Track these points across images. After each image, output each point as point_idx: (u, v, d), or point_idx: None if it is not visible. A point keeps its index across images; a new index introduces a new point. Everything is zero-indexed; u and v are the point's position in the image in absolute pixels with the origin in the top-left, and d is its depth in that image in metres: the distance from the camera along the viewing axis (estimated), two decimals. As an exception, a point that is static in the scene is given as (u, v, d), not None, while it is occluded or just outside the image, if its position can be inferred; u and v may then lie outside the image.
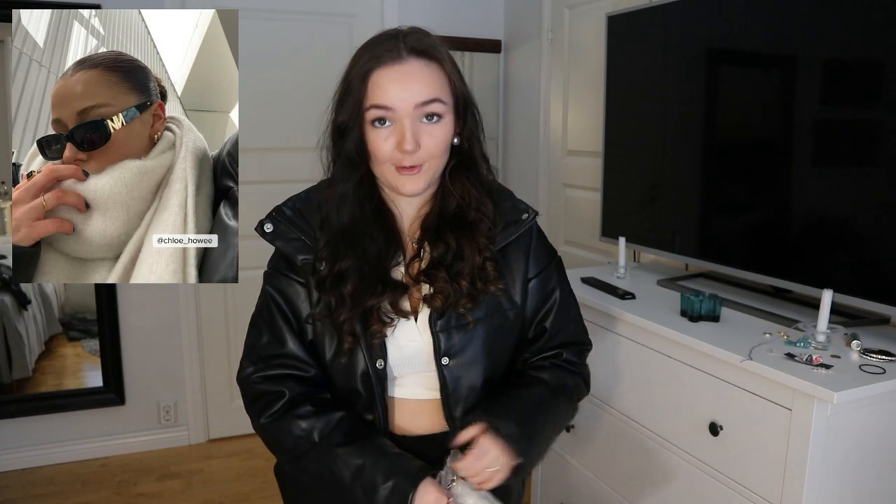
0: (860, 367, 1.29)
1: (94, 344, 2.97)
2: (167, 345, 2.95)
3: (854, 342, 1.37)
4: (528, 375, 1.12)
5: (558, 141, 2.90)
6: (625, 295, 1.78)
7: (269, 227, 1.05)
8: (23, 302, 2.91)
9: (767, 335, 1.46)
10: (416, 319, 1.03)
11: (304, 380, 1.05)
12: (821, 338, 1.37)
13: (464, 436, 1.00)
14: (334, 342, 1.03)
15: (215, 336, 3.01)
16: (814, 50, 1.54)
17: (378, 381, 1.03)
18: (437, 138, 0.97)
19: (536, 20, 2.98)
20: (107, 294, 2.83)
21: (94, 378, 2.95)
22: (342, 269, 1.00)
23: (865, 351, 1.35)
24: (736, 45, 1.77)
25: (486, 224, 1.03)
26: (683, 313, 1.60)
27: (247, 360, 1.08)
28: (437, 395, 1.06)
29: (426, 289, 1.04)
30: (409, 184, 0.98)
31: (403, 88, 0.94)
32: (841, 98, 1.51)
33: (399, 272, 1.05)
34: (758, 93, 1.72)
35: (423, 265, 1.04)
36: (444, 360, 1.03)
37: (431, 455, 1.04)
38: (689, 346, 1.48)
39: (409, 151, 0.94)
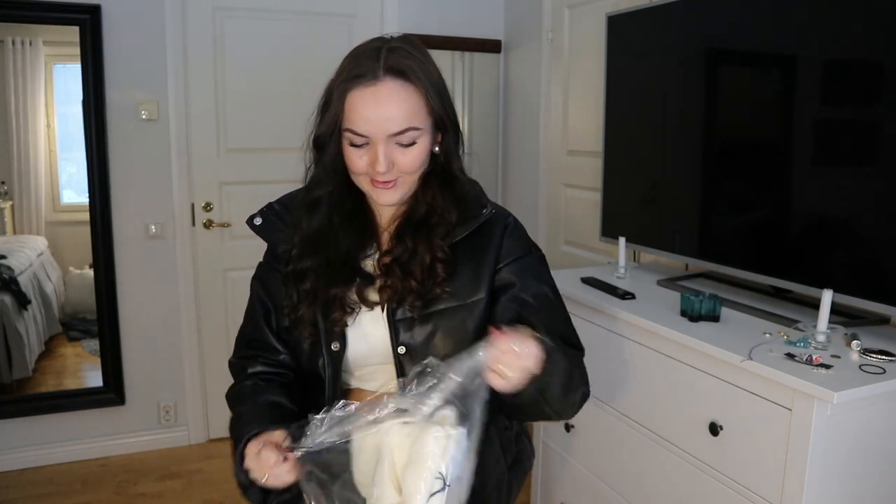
0: (860, 367, 1.29)
1: (94, 344, 2.97)
2: (167, 345, 2.95)
3: (854, 342, 1.37)
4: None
5: (558, 141, 2.90)
6: (625, 295, 1.78)
7: (258, 221, 1.14)
8: (23, 302, 2.91)
9: (767, 335, 1.46)
10: (383, 310, 1.06)
11: (271, 362, 1.15)
12: (821, 338, 1.37)
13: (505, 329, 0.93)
14: (303, 340, 1.10)
15: (215, 336, 3.01)
16: (814, 50, 1.54)
17: (333, 365, 1.07)
18: (410, 159, 1.00)
19: (536, 20, 2.98)
20: (107, 294, 2.83)
21: (94, 378, 2.95)
22: (302, 269, 1.07)
23: (865, 351, 1.35)
24: (736, 45, 1.77)
25: (444, 227, 1.06)
26: (683, 313, 1.60)
27: (234, 347, 1.20)
28: (392, 388, 1.05)
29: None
30: (384, 196, 1.03)
31: (377, 115, 0.97)
32: (841, 98, 1.51)
33: (370, 264, 1.09)
34: (758, 93, 1.72)
35: (385, 262, 1.08)
36: (401, 350, 1.05)
37: None
38: (689, 346, 1.48)
39: (382, 173, 0.99)
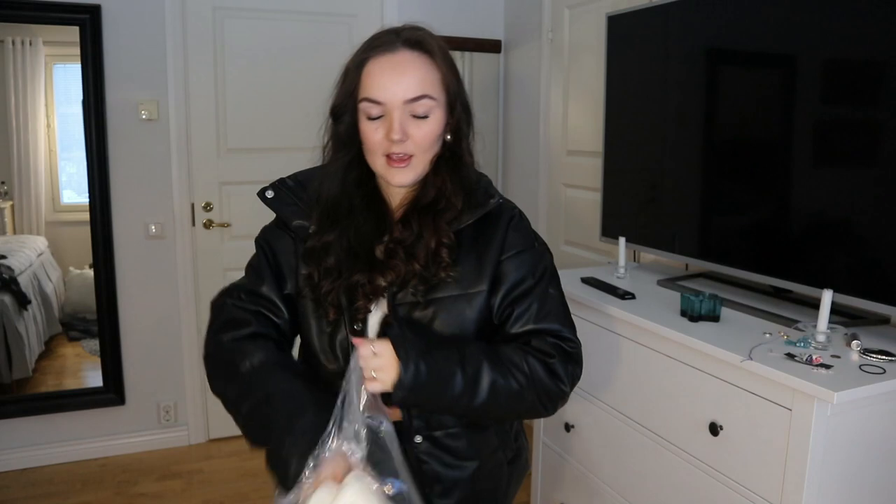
0: (860, 367, 1.29)
1: (94, 344, 2.97)
2: (167, 345, 2.95)
3: (854, 342, 1.37)
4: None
5: (558, 141, 2.90)
6: (625, 295, 1.78)
7: (270, 194, 1.12)
8: (23, 302, 2.91)
9: (767, 335, 1.46)
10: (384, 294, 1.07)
11: (273, 323, 1.11)
12: (821, 338, 1.37)
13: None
14: (320, 317, 1.08)
15: (215, 336, 3.00)
16: (814, 50, 1.54)
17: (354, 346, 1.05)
18: (424, 132, 1.01)
19: (536, 20, 2.98)
20: (107, 294, 2.83)
21: (94, 378, 2.95)
22: (326, 243, 1.06)
23: (865, 351, 1.35)
24: (736, 45, 1.77)
25: (451, 213, 1.06)
26: (683, 313, 1.60)
27: (227, 291, 1.14)
28: None
29: None
30: (398, 175, 1.03)
31: (393, 81, 0.99)
32: (841, 98, 1.51)
33: (380, 250, 1.09)
34: (757, 93, 1.72)
35: (389, 245, 1.07)
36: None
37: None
38: (689, 346, 1.48)
39: (397, 141, 0.99)
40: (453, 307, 1.06)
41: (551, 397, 1.06)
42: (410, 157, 1.02)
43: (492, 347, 1.06)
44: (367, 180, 1.10)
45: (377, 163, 1.04)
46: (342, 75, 1.06)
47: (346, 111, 1.04)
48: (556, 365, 1.06)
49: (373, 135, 1.01)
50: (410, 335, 1.01)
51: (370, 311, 1.06)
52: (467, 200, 1.07)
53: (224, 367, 1.09)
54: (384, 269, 1.05)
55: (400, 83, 0.99)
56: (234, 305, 1.11)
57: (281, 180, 1.14)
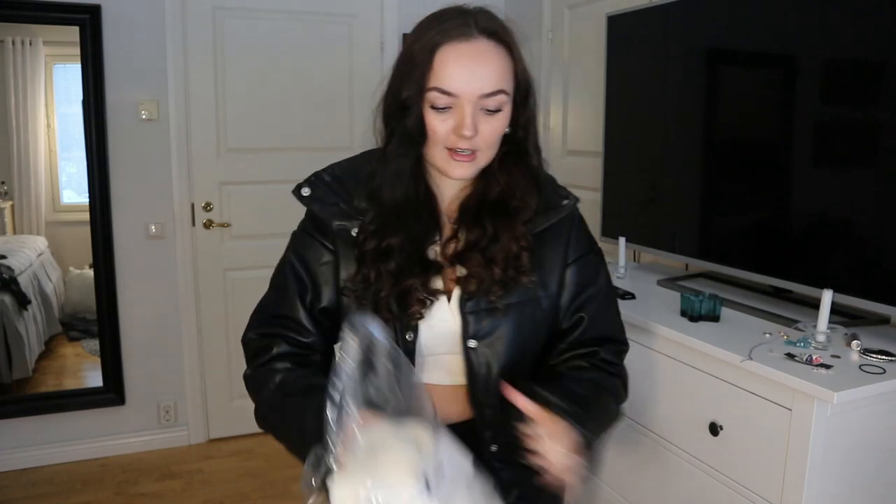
0: (860, 367, 1.29)
1: (94, 344, 2.97)
2: (167, 345, 2.95)
3: (854, 342, 1.37)
4: (569, 374, 1.07)
5: (558, 141, 2.90)
6: (625, 295, 1.78)
7: (306, 191, 1.04)
8: (23, 302, 2.91)
9: (767, 335, 1.46)
10: (448, 300, 1.02)
11: (298, 343, 1.04)
12: (821, 338, 1.37)
13: (521, 402, 0.91)
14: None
15: (215, 336, 3.01)
16: (814, 50, 1.54)
17: (407, 354, 0.99)
18: (494, 128, 0.95)
19: (536, 20, 2.98)
20: (107, 294, 2.83)
21: (94, 378, 2.95)
22: (389, 246, 0.98)
23: (865, 351, 1.35)
24: (736, 45, 1.77)
25: (527, 213, 1.01)
26: (683, 313, 1.60)
27: (252, 320, 1.09)
28: (460, 380, 1.04)
29: (460, 271, 1.02)
30: (459, 169, 0.96)
31: (470, 73, 0.91)
32: (840, 98, 1.51)
33: (434, 252, 1.03)
34: (757, 93, 1.72)
35: (459, 247, 1.02)
36: (471, 343, 1.01)
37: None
38: (689, 346, 1.48)
39: (468, 137, 0.92)
40: (523, 312, 1.03)
41: (621, 403, 1.10)
42: (475, 152, 0.95)
43: (599, 377, 1.06)
44: (422, 173, 1.02)
45: (437, 154, 0.96)
46: (405, 59, 0.95)
47: (415, 102, 0.94)
48: (625, 376, 1.10)
49: (440, 126, 0.93)
50: (570, 408, 0.94)
51: (422, 318, 1.00)
52: (540, 199, 1.02)
53: (255, 399, 1.05)
54: (438, 272, 1.00)
55: (479, 76, 0.91)
56: (255, 336, 1.06)
57: (317, 175, 1.05)
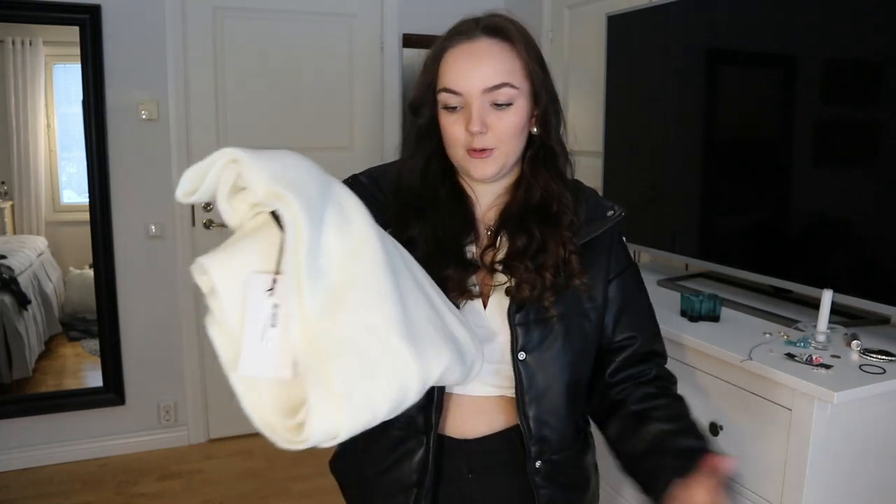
0: (860, 367, 1.29)
1: (94, 344, 2.97)
2: (167, 345, 2.95)
3: (854, 342, 1.37)
4: (657, 409, 1.04)
5: (558, 141, 2.90)
6: (625, 295, 1.78)
7: None
8: (23, 302, 2.91)
9: (767, 335, 1.46)
10: (485, 306, 1.01)
11: None
12: (821, 338, 1.37)
13: (719, 465, 0.89)
14: None
15: (215, 336, 3.01)
16: (814, 50, 1.54)
17: None
18: (505, 123, 0.96)
19: (536, 20, 2.98)
20: (107, 294, 2.83)
21: (94, 378, 2.95)
22: (411, 237, 0.99)
23: (865, 351, 1.35)
24: (736, 45, 1.77)
25: (567, 217, 1.00)
26: (683, 313, 1.60)
27: None
28: (503, 391, 1.02)
29: (501, 279, 1.00)
30: (479, 168, 0.97)
31: (471, 69, 0.94)
32: (841, 98, 1.51)
33: (471, 252, 1.02)
34: (757, 93, 1.72)
35: (501, 255, 1.01)
36: (521, 356, 0.99)
37: (478, 461, 1.03)
38: (689, 346, 1.48)
39: (477, 132, 0.94)
40: (574, 322, 1.02)
41: None
42: (492, 149, 0.96)
43: (676, 400, 1.06)
44: (450, 174, 1.04)
45: (458, 155, 0.99)
46: (421, 67, 1.01)
47: (425, 103, 0.99)
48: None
49: (452, 127, 0.96)
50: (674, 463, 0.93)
51: (459, 308, 0.98)
52: (577, 204, 1.02)
53: None
54: (475, 272, 0.99)
55: (478, 71, 0.94)
56: None
57: (354, 177, 1.06)
